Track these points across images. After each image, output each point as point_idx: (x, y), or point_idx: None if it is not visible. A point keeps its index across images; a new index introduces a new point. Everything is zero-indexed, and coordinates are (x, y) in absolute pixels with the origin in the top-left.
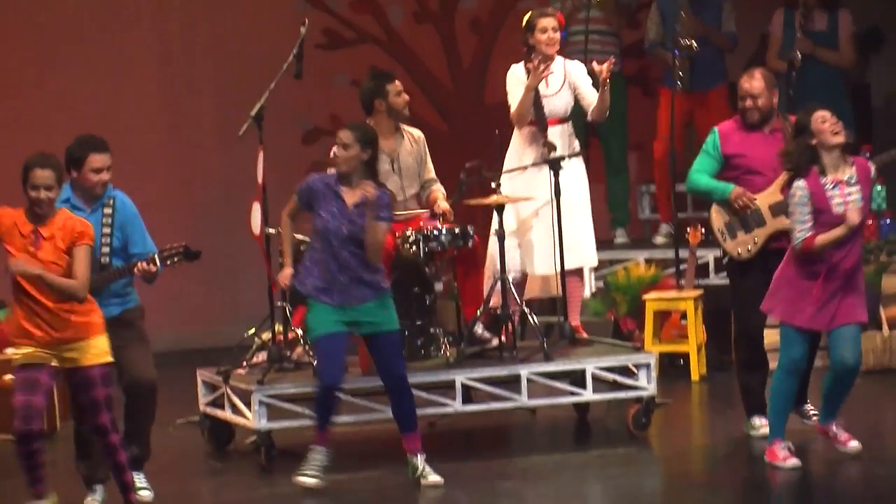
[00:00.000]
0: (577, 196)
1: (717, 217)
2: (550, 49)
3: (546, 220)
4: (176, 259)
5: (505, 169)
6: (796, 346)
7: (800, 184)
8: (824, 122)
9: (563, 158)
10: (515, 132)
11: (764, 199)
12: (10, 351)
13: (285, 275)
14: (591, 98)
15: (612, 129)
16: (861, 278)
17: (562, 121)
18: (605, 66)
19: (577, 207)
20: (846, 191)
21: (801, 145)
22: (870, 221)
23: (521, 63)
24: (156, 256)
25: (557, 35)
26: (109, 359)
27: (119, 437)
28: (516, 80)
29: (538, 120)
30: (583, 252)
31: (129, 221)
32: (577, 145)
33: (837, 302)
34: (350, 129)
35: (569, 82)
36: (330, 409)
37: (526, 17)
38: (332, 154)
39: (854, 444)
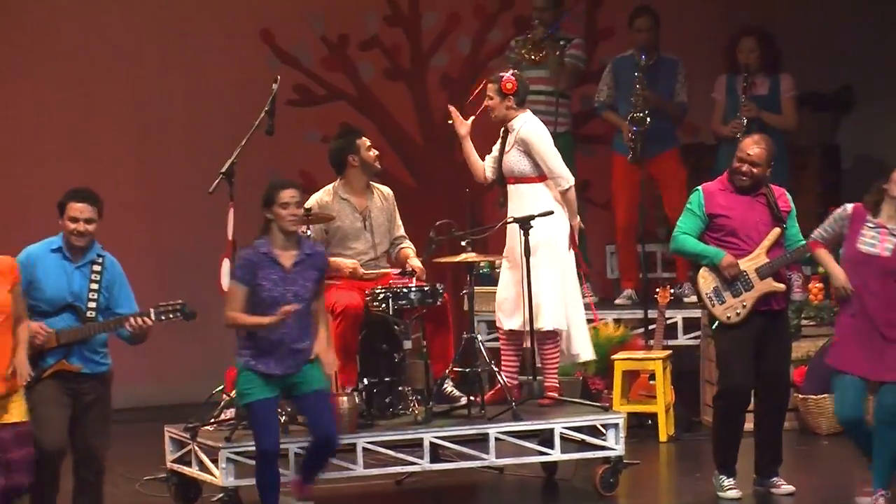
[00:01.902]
0: (543, 257)
1: (705, 282)
2: (492, 113)
3: (515, 278)
4: (171, 316)
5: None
6: (847, 399)
7: (848, 206)
8: None
9: (532, 217)
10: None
11: (750, 263)
12: None
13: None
14: (551, 174)
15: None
16: None
17: (517, 180)
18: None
19: (542, 268)
20: (886, 237)
21: (876, 188)
22: None
23: None
24: (151, 311)
25: (493, 101)
26: (14, 419)
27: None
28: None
29: (497, 177)
30: (542, 314)
31: (116, 282)
32: (548, 204)
33: (883, 353)
34: (296, 186)
35: (517, 143)
36: (274, 480)
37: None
38: (278, 214)
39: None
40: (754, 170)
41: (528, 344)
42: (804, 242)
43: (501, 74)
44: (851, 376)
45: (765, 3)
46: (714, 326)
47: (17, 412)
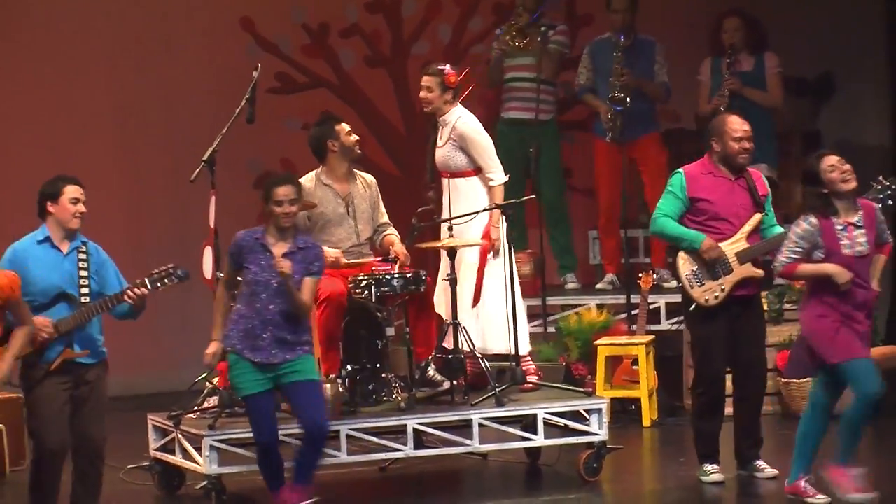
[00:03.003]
0: (472, 253)
1: (684, 264)
2: (426, 107)
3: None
4: (167, 281)
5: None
6: (873, 377)
7: (811, 219)
8: (833, 170)
9: (514, 204)
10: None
11: (730, 247)
12: None
13: (211, 352)
14: (486, 169)
15: (547, 177)
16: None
17: (453, 174)
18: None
19: (470, 265)
20: (854, 233)
21: (814, 194)
22: None
23: None
24: (146, 280)
25: (432, 94)
26: None
27: None
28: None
29: (428, 169)
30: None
31: (102, 265)
32: (482, 200)
33: (864, 334)
34: (291, 183)
35: (451, 139)
36: (275, 467)
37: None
38: (273, 210)
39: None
40: (751, 146)
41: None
42: (781, 230)
43: (442, 67)
44: (862, 359)
45: None
46: (691, 309)
47: None
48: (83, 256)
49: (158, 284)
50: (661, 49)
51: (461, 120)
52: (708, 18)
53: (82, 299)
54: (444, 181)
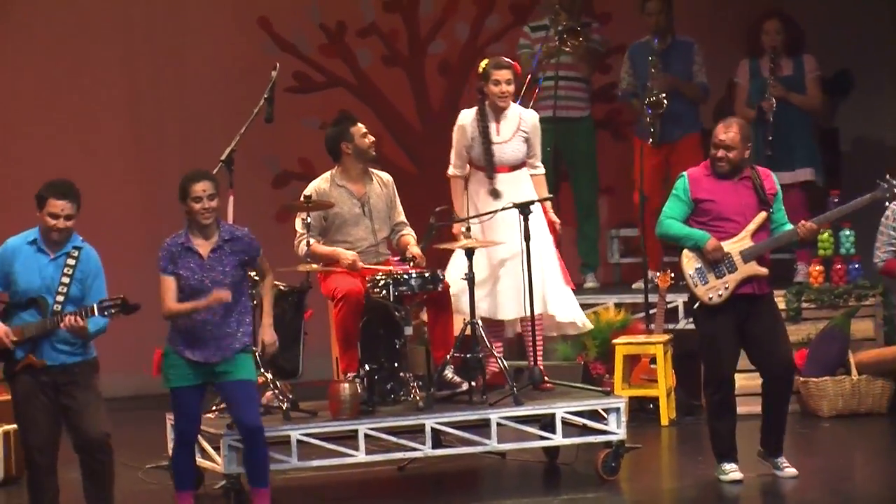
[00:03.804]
0: (546, 243)
1: (688, 262)
2: (502, 102)
3: (515, 266)
4: (113, 311)
5: (469, 214)
6: None
7: (893, 206)
8: None
9: (531, 203)
10: (470, 174)
11: (734, 246)
12: None
13: (220, 294)
14: (535, 160)
15: (582, 173)
16: None
17: (512, 168)
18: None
19: (548, 255)
20: None
21: None
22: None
23: (473, 109)
24: (86, 308)
25: (511, 87)
26: None
27: None
28: (460, 129)
29: (486, 167)
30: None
31: (91, 275)
32: (533, 192)
33: None
34: (209, 178)
35: (521, 131)
36: (189, 466)
37: (482, 65)
38: (192, 207)
39: None
40: (729, 154)
41: (518, 330)
42: (790, 227)
43: (508, 59)
44: None
45: None
46: (695, 307)
47: None
48: (71, 262)
49: (105, 313)
50: (700, 50)
51: (525, 112)
52: (736, 20)
53: (55, 306)
54: (502, 176)
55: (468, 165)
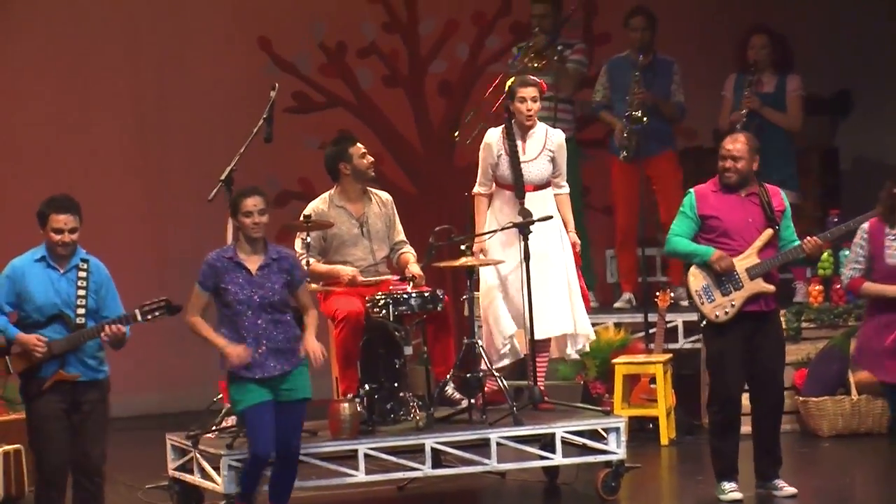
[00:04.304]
0: (569, 261)
1: (695, 280)
2: (529, 120)
3: (549, 282)
4: (157, 313)
5: (483, 229)
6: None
7: (864, 225)
8: None
9: (531, 223)
10: (496, 192)
11: (741, 263)
12: None
13: (237, 352)
14: (560, 179)
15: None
16: None
17: (538, 187)
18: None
19: (562, 268)
20: None
21: (887, 192)
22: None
23: (500, 127)
24: (137, 312)
25: (537, 105)
26: None
27: None
28: (487, 147)
29: (515, 186)
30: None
31: (103, 285)
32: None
33: None
34: (259, 194)
35: (547, 150)
36: (257, 480)
37: (508, 83)
38: (242, 222)
39: None
40: (738, 164)
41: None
42: (798, 243)
43: (534, 77)
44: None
45: (763, 7)
46: (703, 325)
47: None
48: (83, 274)
49: (148, 316)
50: (679, 69)
51: (551, 131)
52: (731, 35)
53: (78, 320)
54: (530, 195)
55: (493, 184)
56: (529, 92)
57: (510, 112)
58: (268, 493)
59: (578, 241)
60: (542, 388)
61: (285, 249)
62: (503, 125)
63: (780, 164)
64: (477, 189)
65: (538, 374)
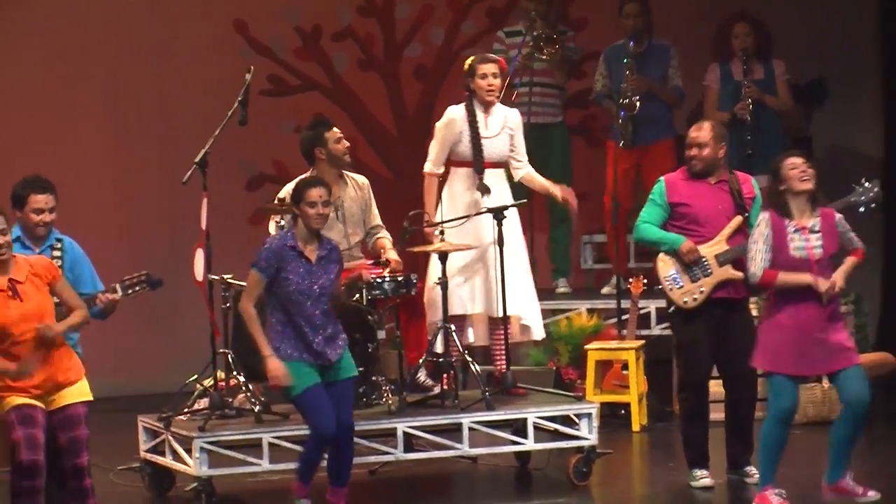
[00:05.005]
0: (517, 244)
1: (664, 266)
2: (490, 96)
3: (488, 265)
4: (138, 288)
5: (444, 212)
6: (787, 395)
7: (765, 216)
8: (794, 168)
9: (505, 208)
10: (451, 172)
11: (710, 250)
12: None
13: (279, 372)
14: (520, 157)
15: (556, 178)
16: (842, 321)
17: (498, 165)
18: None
19: (516, 255)
20: (809, 237)
21: (772, 189)
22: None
23: (461, 105)
24: (117, 286)
25: (498, 81)
26: (90, 397)
27: (91, 482)
28: (450, 123)
29: (475, 161)
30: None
31: (78, 262)
32: (509, 195)
33: (825, 346)
34: (324, 185)
35: (507, 128)
36: (318, 462)
37: (468, 62)
38: (306, 212)
39: (872, 494)
40: (702, 152)
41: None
42: None
43: (492, 55)
44: (786, 376)
45: None
46: (671, 311)
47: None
48: (57, 253)
49: (129, 291)
50: (676, 54)
51: (509, 110)
52: (706, 25)
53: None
54: (492, 171)
55: (445, 165)
56: (490, 68)
57: (471, 90)
58: (327, 476)
59: (570, 190)
60: (502, 370)
61: (332, 241)
62: (464, 103)
63: (774, 150)
64: (430, 168)
65: (498, 356)
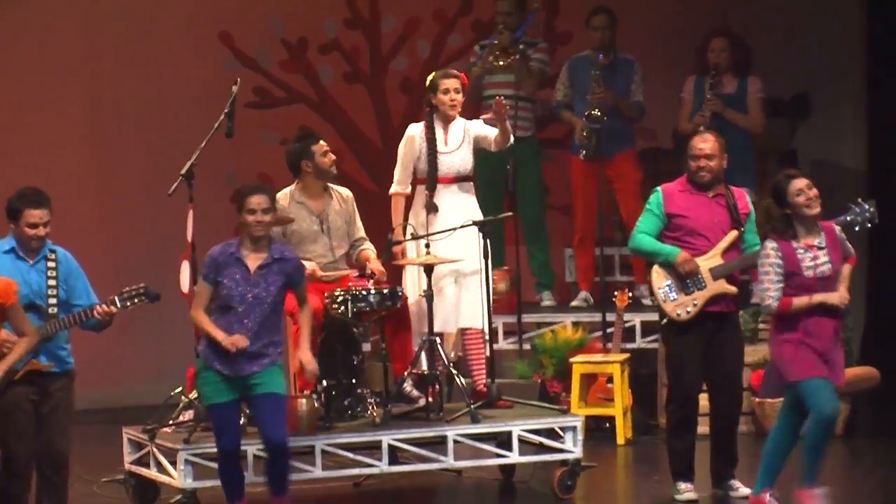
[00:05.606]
0: (474, 260)
1: (658, 277)
2: (452, 111)
3: (451, 280)
4: (136, 301)
5: (406, 232)
6: (829, 396)
7: (772, 244)
8: (799, 195)
9: (492, 221)
10: (416, 191)
11: (705, 263)
12: None
13: (234, 340)
14: (492, 135)
15: (527, 194)
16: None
17: (457, 179)
18: (499, 104)
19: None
20: (817, 254)
21: (776, 216)
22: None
23: (421, 123)
24: (116, 298)
25: (459, 96)
26: None
27: None
28: (409, 141)
29: (428, 178)
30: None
31: (72, 274)
32: (476, 208)
33: (833, 362)
34: (265, 192)
35: (468, 140)
36: (236, 478)
37: (430, 77)
38: (245, 220)
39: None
40: (711, 163)
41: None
42: (759, 247)
43: (456, 71)
44: (821, 378)
45: (723, 9)
46: (663, 323)
47: None
48: (52, 265)
49: (128, 303)
50: (640, 69)
51: (469, 123)
52: (690, 37)
53: (50, 310)
54: (450, 187)
55: (410, 184)
56: (452, 83)
57: (431, 106)
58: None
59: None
60: (484, 384)
61: (291, 252)
62: (424, 120)
63: (741, 167)
64: (395, 188)
65: (477, 369)
